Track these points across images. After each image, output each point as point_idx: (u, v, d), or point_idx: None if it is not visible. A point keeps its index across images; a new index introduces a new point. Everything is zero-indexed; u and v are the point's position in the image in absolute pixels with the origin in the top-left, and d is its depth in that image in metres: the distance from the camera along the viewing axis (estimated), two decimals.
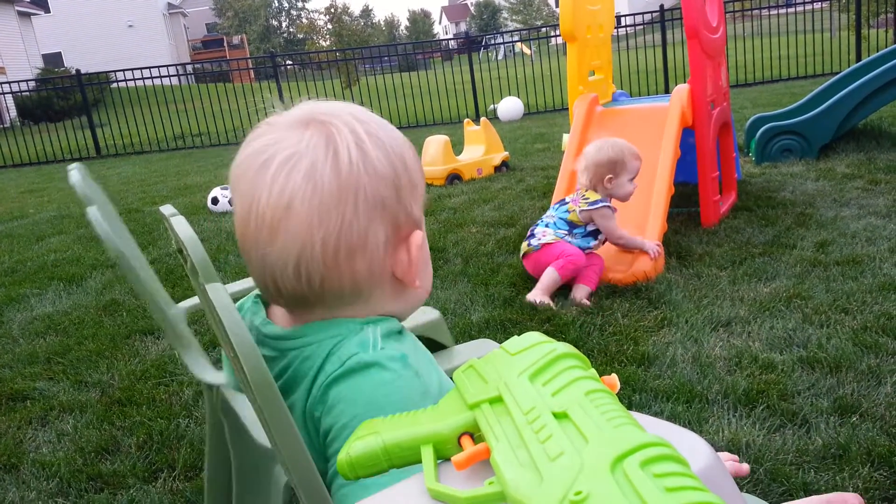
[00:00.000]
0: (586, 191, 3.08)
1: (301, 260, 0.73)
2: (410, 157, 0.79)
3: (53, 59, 33.83)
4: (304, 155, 0.73)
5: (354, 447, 0.56)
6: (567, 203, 3.12)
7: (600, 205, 3.01)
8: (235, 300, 0.98)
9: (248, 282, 1.43)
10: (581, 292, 2.94)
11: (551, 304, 2.91)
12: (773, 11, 13.29)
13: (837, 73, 6.21)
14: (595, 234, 3.08)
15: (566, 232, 3.06)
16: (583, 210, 3.02)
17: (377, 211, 0.74)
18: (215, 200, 5.70)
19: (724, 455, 1.14)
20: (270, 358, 0.78)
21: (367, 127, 0.76)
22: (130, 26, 38.96)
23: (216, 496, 1.42)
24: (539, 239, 3.07)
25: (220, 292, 0.73)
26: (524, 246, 3.13)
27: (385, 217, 0.75)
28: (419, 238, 0.78)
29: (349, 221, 0.73)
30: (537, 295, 2.94)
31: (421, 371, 0.74)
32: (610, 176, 3.03)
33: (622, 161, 3.02)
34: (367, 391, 0.71)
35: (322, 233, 0.72)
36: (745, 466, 1.08)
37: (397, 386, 0.71)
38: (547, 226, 3.11)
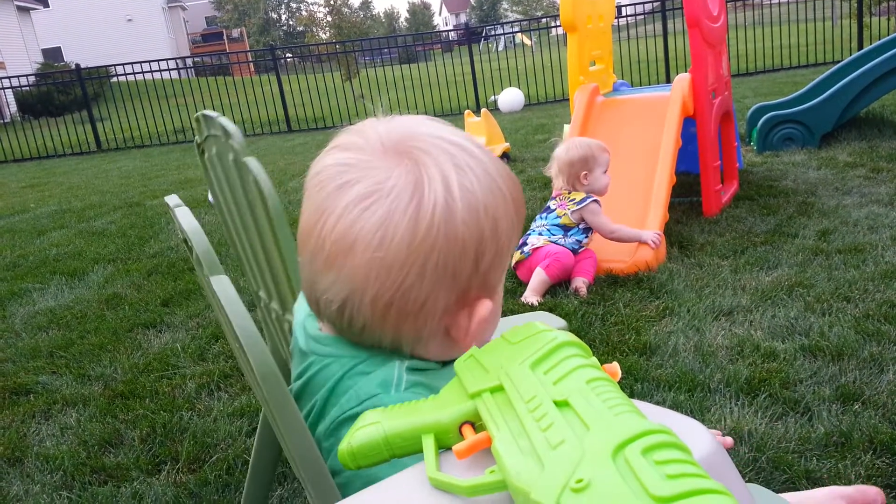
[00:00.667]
0: (569, 193, 3.12)
1: (347, 303, 0.67)
2: (505, 218, 0.67)
3: (53, 54, 33.77)
4: (385, 196, 0.64)
5: (356, 437, 0.56)
6: (554, 210, 3.15)
7: (588, 201, 3.06)
8: None
9: None
10: (579, 282, 2.96)
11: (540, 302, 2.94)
12: (775, 0, 13.24)
13: (839, 62, 6.18)
14: (587, 230, 3.11)
15: (561, 236, 3.09)
16: (573, 211, 3.07)
17: (445, 280, 0.66)
18: None
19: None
20: (302, 351, 0.77)
21: (464, 177, 0.65)
22: (130, 20, 38.88)
23: (259, 480, 1.43)
24: (531, 246, 3.09)
25: (224, 284, 0.73)
26: (517, 255, 3.11)
27: (453, 287, 0.66)
28: (486, 309, 0.69)
29: (409, 285, 0.65)
30: (529, 296, 2.96)
31: None
32: (585, 172, 3.10)
33: (592, 156, 3.10)
34: None
35: (377, 288, 0.65)
36: (729, 440, 1.06)
37: None
38: (540, 234, 3.13)
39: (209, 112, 1.25)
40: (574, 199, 3.09)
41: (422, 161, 0.65)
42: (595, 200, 3.07)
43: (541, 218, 3.20)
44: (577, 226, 3.09)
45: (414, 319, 0.67)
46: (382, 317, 0.67)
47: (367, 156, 0.66)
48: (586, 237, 3.11)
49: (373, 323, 0.67)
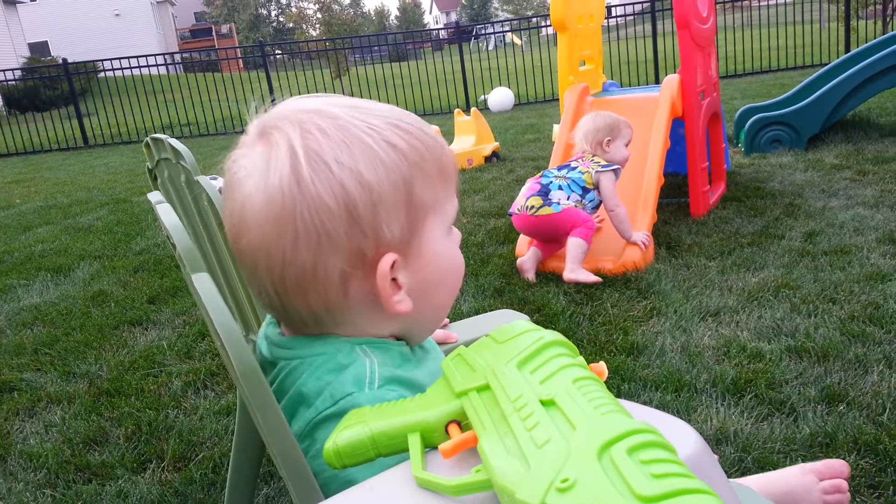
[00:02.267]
0: (593, 155, 3.15)
1: (259, 289, 0.71)
2: (375, 168, 0.66)
3: (40, 48, 33.47)
4: (244, 182, 0.68)
5: (341, 436, 0.56)
6: (576, 167, 3.13)
7: (614, 166, 3.11)
8: None
9: None
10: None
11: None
12: (763, 2, 13.32)
13: (826, 65, 6.22)
14: (596, 207, 3.15)
15: (580, 196, 3.08)
16: (597, 171, 3.08)
17: (323, 242, 0.66)
18: None
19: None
20: (269, 362, 0.76)
21: (310, 139, 0.66)
22: (118, 15, 38.58)
23: (240, 483, 1.43)
24: (559, 202, 3.05)
25: (205, 282, 0.72)
26: (534, 201, 3.07)
27: (337, 247, 0.67)
28: (387, 264, 0.68)
29: (291, 255, 0.67)
30: (579, 273, 2.96)
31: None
32: (608, 138, 3.16)
33: (617, 126, 3.18)
34: None
35: (266, 266, 0.69)
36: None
37: None
38: (561, 188, 3.09)
39: (157, 135, 1.25)
40: (599, 161, 3.13)
41: (272, 137, 0.68)
42: (617, 170, 3.12)
43: (559, 170, 3.17)
44: (593, 191, 3.10)
45: (315, 288, 0.68)
46: (287, 291, 0.69)
47: (244, 148, 0.70)
48: (594, 212, 3.15)
49: (285, 300, 0.70)
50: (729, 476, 1.38)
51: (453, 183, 0.74)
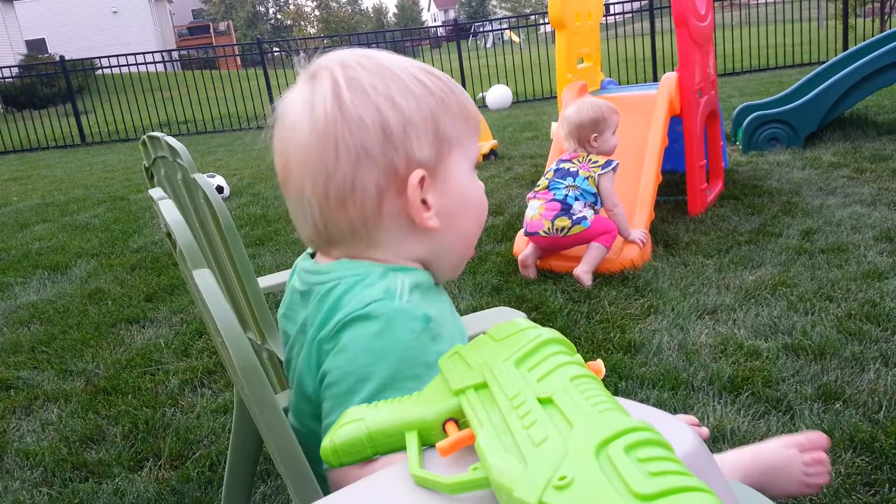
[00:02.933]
0: (587, 154, 3.12)
1: (305, 209, 0.79)
2: (406, 96, 0.76)
3: (37, 46, 33.37)
4: (292, 111, 0.78)
5: (339, 434, 0.56)
6: (578, 172, 3.08)
7: (612, 166, 3.07)
8: (267, 296, 0.99)
9: (277, 277, 1.44)
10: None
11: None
12: (761, 0, 13.32)
13: (824, 63, 6.23)
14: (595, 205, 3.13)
15: (593, 202, 3.07)
16: (600, 175, 3.06)
17: (361, 158, 0.75)
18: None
19: (684, 417, 1.17)
20: (301, 292, 0.82)
21: (350, 70, 0.77)
22: (115, 12, 38.48)
23: (237, 481, 1.43)
24: (586, 217, 3.01)
25: (206, 278, 0.72)
26: (563, 222, 3.00)
27: (373, 163, 0.75)
28: (415, 179, 0.76)
29: (333, 169, 0.76)
30: (588, 277, 2.96)
31: (440, 338, 0.73)
32: (595, 135, 3.11)
33: (603, 118, 3.11)
34: (376, 346, 0.71)
35: (311, 180, 0.77)
36: (705, 430, 1.11)
37: (408, 346, 0.71)
38: (577, 199, 3.05)
39: (154, 133, 1.25)
40: (597, 161, 3.09)
41: (318, 74, 0.78)
42: (615, 166, 3.08)
43: (562, 178, 3.10)
44: (596, 195, 3.08)
45: (353, 201, 0.76)
46: (330, 206, 0.77)
47: (293, 90, 0.80)
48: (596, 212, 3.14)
49: (328, 216, 0.78)
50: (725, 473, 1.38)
51: (475, 129, 0.82)
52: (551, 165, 3.26)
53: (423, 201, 0.78)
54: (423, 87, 0.78)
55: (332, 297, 0.76)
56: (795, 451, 1.23)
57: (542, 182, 3.18)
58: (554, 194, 3.08)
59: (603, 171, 3.06)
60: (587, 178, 3.06)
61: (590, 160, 3.10)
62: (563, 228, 3.02)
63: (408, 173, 0.76)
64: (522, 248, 3.23)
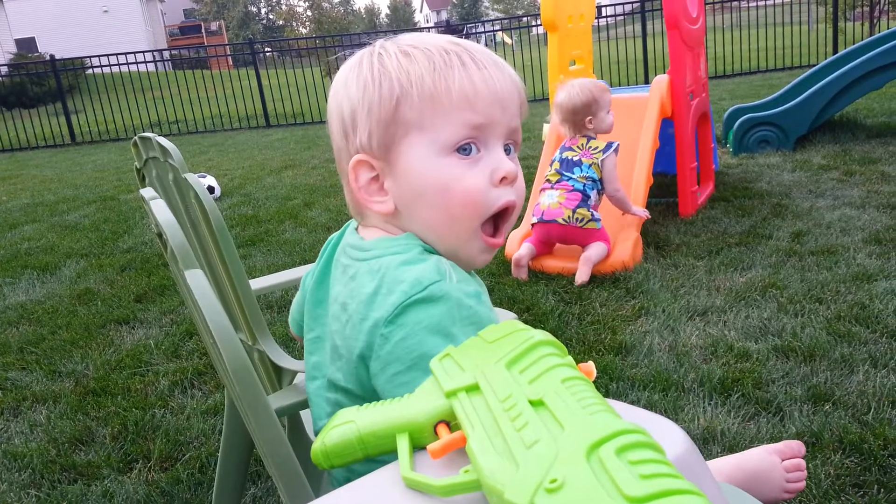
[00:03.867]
0: (586, 141, 3.14)
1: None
2: (355, 86, 0.80)
3: (27, 45, 33.18)
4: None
5: (330, 436, 0.55)
6: (580, 160, 3.12)
7: (613, 147, 3.11)
8: (258, 297, 0.99)
9: (269, 279, 1.43)
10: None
11: None
12: (752, 3, 13.39)
13: (814, 66, 6.26)
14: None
15: (599, 189, 3.13)
16: (602, 160, 3.09)
17: (339, 134, 0.83)
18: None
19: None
20: (346, 266, 0.84)
21: (353, 60, 0.83)
22: (106, 11, 38.29)
23: (227, 483, 1.42)
24: (599, 218, 3.09)
25: (198, 278, 0.72)
26: (583, 213, 3.05)
27: (343, 150, 0.83)
28: (352, 163, 0.81)
29: (331, 135, 0.85)
30: (588, 269, 2.99)
31: (491, 308, 0.76)
32: (589, 117, 3.14)
33: (595, 100, 3.12)
34: (447, 321, 0.70)
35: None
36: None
37: (476, 320, 0.71)
38: (592, 189, 3.10)
39: (145, 134, 1.25)
40: (597, 146, 3.11)
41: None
42: (616, 148, 3.12)
43: (573, 170, 3.12)
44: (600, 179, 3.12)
45: (345, 183, 0.84)
46: (344, 183, 0.85)
47: None
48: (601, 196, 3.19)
49: (345, 191, 0.85)
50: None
51: (458, 109, 0.77)
52: (555, 155, 3.28)
53: (382, 186, 0.81)
54: (381, 70, 0.78)
55: (377, 275, 0.76)
56: (777, 458, 1.27)
57: (552, 173, 3.21)
58: (573, 185, 3.11)
59: (605, 155, 3.10)
60: (591, 165, 3.11)
61: (590, 147, 3.14)
62: (582, 219, 3.07)
63: (357, 153, 0.81)
64: (515, 248, 3.23)
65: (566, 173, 3.14)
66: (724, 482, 1.10)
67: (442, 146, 0.77)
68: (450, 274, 0.74)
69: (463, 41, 0.82)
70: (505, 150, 0.81)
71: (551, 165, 3.24)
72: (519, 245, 3.21)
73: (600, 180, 3.11)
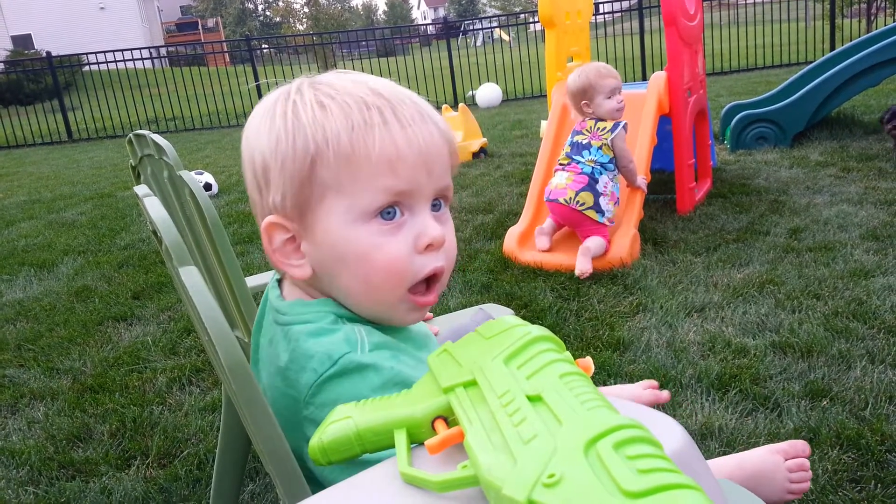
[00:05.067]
0: (595, 122, 3.19)
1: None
2: (267, 137, 0.73)
3: (23, 41, 33.07)
4: None
5: (327, 432, 0.55)
6: (591, 143, 3.16)
7: (619, 127, 3.15)
8: (255, 295, 0.99)
9: (265, 276, 1.43)
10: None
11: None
12: (749, 0, 13.38)
13: (812, 63, 6.27)
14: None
15: (613, 169, 3.17)
16: (612, 139, 3.14)
17: (251, 196, 0.78)
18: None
19: (645, 382, 1.19)
20: (269, 324, 0.81)
21: (260, 114, 0.76)
22: (102, 8, 38.19)
23: (225, 479, 1.42)
24: (605, 212, 3.12)
25: (193, 276, 0.72)
26: (586, 198, 3.10)
27: (256, 203, 0.78)
28: (264, 224, 0.75)
29: (250, 200, 0.80)
30: (587, 259, 3.02)
31: (410, 368, 0.72)
32: (585, 101, 3.20)
33: (591, 85, 3.18)
34: (366, 391, 0.68)
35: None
36: (665, 394, 1.16)
37: (399, 380, 0.69)
38: (601, 173, 3.14)
39: (140, 131, 1.24)
40: (606, 127, 3.16)
41: None
42: (625, 125, 3.16)
43: (582, 153, 3.18)
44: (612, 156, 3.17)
45: (260, 229, 0.77)
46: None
47: None
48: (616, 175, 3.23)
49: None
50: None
51: (379, 173, 0.70)
52: (568, 139, 3.34)
53: (298, 247, 0.75)
54: (296, 123, 0.71)
55: (289, 347, 0.74)
56: (780, 458, 1.24)
57: (563, 156, 3.27)
58: (581, 168, 3.17)
59: (613, 134, 3.14)
60: (600, 147, 3.15)
61: (598, 128, 3.17)
62: (582, 203, 3.11)
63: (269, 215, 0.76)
64: (513, 245, 3.29)
65: (575, 157, 3.21)
66: (724, 478, 1.10)
67: (361, 212, 0.71)
68: (361, 343, 0.71)
69: (386, 91, 0.73)
70: (434, 207, 0.75)
71: (564, 150, 3.31)
72: (518, 242, 3.26)
73: (613, 161, 3.15)
